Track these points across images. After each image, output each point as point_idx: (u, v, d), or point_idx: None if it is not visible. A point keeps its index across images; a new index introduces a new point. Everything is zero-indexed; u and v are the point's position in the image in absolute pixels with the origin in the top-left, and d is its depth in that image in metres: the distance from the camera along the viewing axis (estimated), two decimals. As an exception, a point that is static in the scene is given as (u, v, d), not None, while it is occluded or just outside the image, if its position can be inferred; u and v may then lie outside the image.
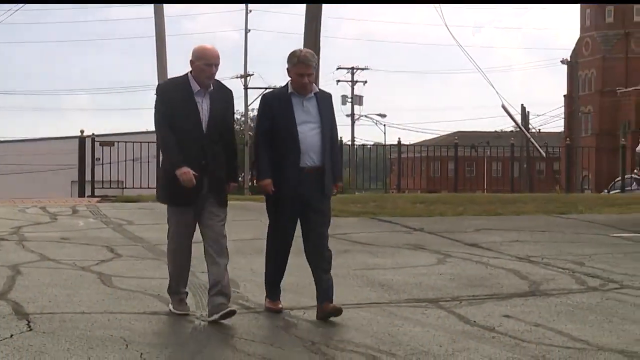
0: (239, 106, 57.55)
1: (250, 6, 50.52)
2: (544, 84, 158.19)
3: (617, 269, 9.29)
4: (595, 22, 79.67)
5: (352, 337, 6.59)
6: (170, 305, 7.24)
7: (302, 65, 6.92)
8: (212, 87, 6.90)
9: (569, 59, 68.02)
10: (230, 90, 7.13)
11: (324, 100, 7.15)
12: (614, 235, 11.93)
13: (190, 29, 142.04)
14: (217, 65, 6.87)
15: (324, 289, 7.09)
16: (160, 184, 7.37)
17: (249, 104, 57.49)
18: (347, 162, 32.28)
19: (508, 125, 55.95)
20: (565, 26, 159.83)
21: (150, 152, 22.09)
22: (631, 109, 72.51)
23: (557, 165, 44.71)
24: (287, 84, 7.08)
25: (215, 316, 6.78)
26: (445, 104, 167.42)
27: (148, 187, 21.61)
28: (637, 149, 14.33)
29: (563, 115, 78.06)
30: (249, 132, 59.27)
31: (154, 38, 22.57)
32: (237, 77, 56.72)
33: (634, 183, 18.20)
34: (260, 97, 7.35)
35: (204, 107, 6.87)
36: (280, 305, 7.34)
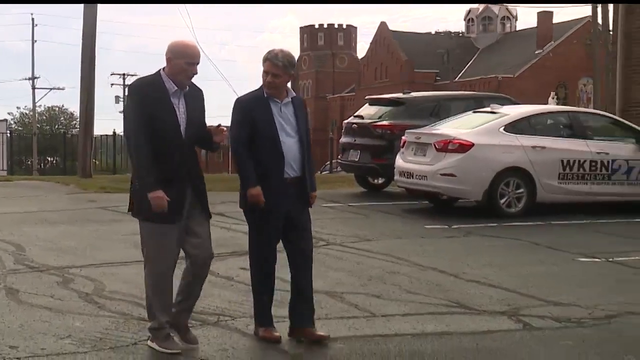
0: (27, 102, 55.11)
1: (36, 21, 47.98)
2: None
3: (324, 231, 9.56)
4: (310, 44, 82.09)
5: (120, 289, 6.38)
6: (152, 343, 4.87)
7: (269, 63, 5.08)
8: (186, 88, 4.85)
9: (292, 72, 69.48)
10: (201, 90, 5.03)
11: (300, 107, 5.26)
12: (324, 205, 12.30)
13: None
14: (198, 63, 4.82)
15: (310, 311, 5.21)
16: (137, 196, 4.84)
17: (36, 100, 55.36)
18: (120, 149, 31.25)
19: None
20: (289, 47, 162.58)
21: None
22: (337, 110, 75.37)
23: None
24: (261, 86, 5.17)
25: (178, 340, 4.90)
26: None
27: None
28: (340, 140, 14.84)
29: (288, 114, 79.84)
30: (37, 125, 56.25)
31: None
32: (25, 79, 54.95)
33: (338, 166, 18.99)
34: (235, 101, 5.21)
35: (180, 109, 4.78)
36: (277, 333, 5.14)
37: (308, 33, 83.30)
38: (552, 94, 39.21)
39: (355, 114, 14.73)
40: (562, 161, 11.12)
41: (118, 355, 4.78)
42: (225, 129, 4.91)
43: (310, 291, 5.23)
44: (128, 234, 9.32)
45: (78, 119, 21.53)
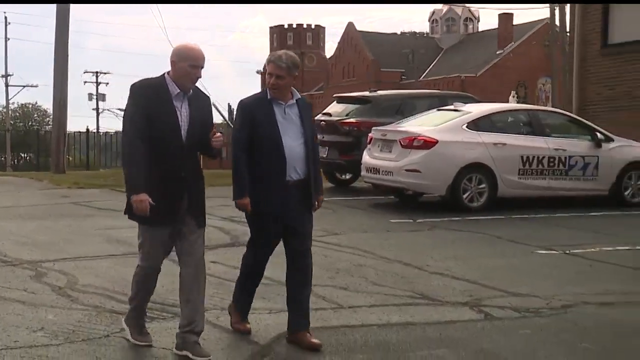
0: (1, 100, 54.49)
1: (9, 18, 47.46)
2: (244, 88, 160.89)
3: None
4: (280, 43, 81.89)
5: (93, 282, 6.32)
6: (128, 334, 4.85)
7: (272, 64, 4.90)
8: (191, 92, 4.63)
9: (262, 70, 69.24)
10: (208, 97, 4.82)
11: (306, 109, 5.06)
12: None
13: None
14: (203, 67, 4.63)
15: (303, 315, 4.99)
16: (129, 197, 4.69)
17: (9, 98, 54.73)
18: (93, 146, 30.98)
19: (217, 120, 56.42)
20: (259, 46, 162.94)
21: None
22: (306, 108, 75.35)
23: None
24: (266, 89, 4.99)
25: (190, 355, 4.61)
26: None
27: None
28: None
29: (258, 112, 79.58)
30: (10, 121, 55.43)
31: None
32: (-1, 77, 54.24)
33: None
34: (238, 103, 4.98)
35: (183, 113, 4.58)
36: (249, 326, 5.17)
37: (278, 33, 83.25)
38: (513, 92, 39.62)
39: (324, 111, 14.71)
40: (522, 157, 11.24)
41: (90, 347, 4.73)
42: (220, 134, 4.69)
43: (307, 294, 5.02)
44: (101, 229, 9.25)
45: (51, 116, 21.27)
